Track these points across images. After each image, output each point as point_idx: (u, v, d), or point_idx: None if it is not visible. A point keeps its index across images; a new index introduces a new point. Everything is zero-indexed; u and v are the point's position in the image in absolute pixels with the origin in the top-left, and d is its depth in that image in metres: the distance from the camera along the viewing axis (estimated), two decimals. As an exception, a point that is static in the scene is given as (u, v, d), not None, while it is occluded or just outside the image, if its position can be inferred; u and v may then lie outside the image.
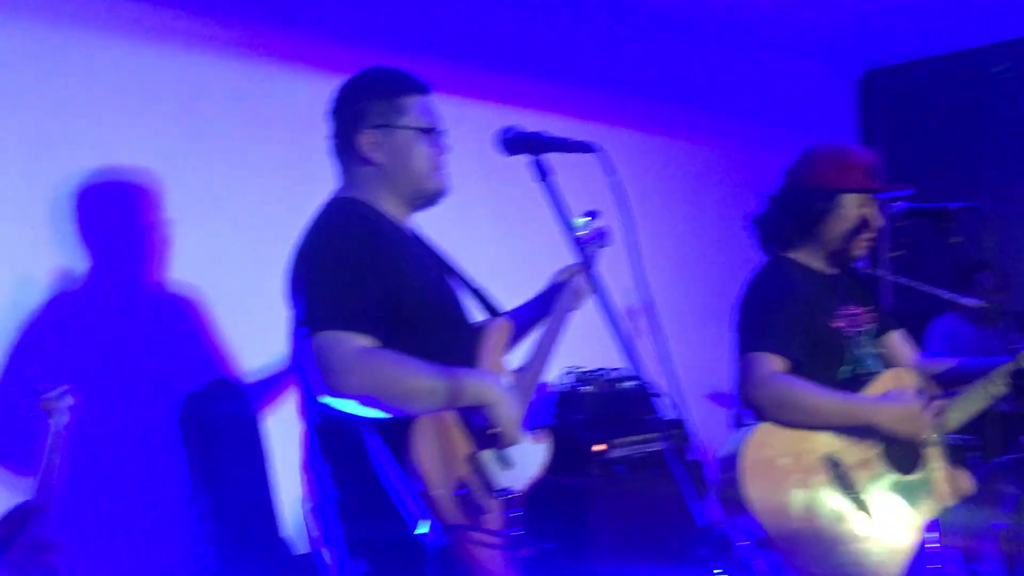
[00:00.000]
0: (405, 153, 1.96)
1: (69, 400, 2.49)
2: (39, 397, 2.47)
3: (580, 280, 2.32)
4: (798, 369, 2.35)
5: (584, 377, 3.72)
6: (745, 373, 2.35)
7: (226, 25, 3.25)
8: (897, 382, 2.46)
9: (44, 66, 2.84)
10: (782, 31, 5.06)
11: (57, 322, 2.80)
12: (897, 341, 2.63)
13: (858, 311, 2.51)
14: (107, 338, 2.91)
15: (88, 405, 2.58)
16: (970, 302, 4.06)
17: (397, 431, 1.77)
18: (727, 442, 2.38)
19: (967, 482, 2.50)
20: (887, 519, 2.33)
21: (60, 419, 2.46)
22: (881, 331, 2.59)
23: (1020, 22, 5.13)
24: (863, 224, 2.42)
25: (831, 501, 2.31)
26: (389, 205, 1.98)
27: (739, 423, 2.45)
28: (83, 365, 2.77)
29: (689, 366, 4.39)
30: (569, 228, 1.74)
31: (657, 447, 3.60)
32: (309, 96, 3.29)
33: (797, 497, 2.28)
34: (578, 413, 3.62)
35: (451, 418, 1.84)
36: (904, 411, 2.33)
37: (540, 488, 3.49)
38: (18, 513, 2.42)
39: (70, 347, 2.79)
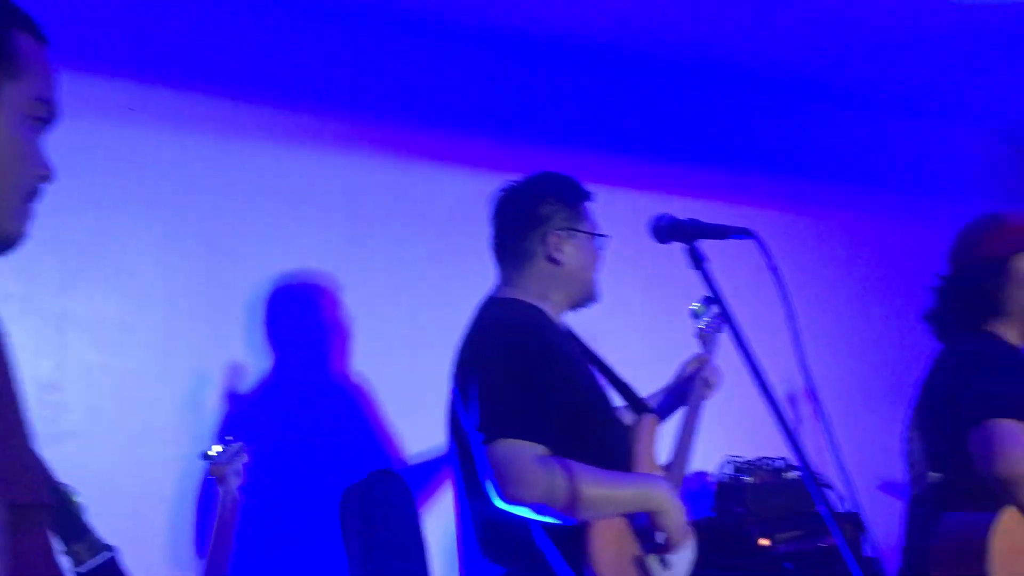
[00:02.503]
0: (585, 256, 2.08)
1: (243, 458, 2.34)
2: (209, 460, 2.31)
3: (708, 369, 2.35)
4: None
5: (745, 467, 3.58)
6: (988, 443, 2.11)
7: (376, 126, 3.41)
8: None
9: (220, 176, 3.06)
10: (944, 99, 4.89)
11: (236, 409, 2.94)
12: None
13: None
14: (280, 424, 3.03)
15: (255, 485, 2.58)
16: None
17: (571, 535, 1.80)
18: (958, 526, 2.16)
19: None
20: None
21: (232, 483, 2.29)
22: None
23: None
24: None
25: None
26: (554, 306, 2.05)
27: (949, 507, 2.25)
28: (254, 446, 2.86)
29: (857, 454, 4.19)
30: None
31: (828, 542, 3.41)
32: (459, 193, 3.43)
33: None
34: (740, 505, 3.48)
35: (622, 521, 1.88)
36: None
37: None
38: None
39: (243, 428, 2.87)
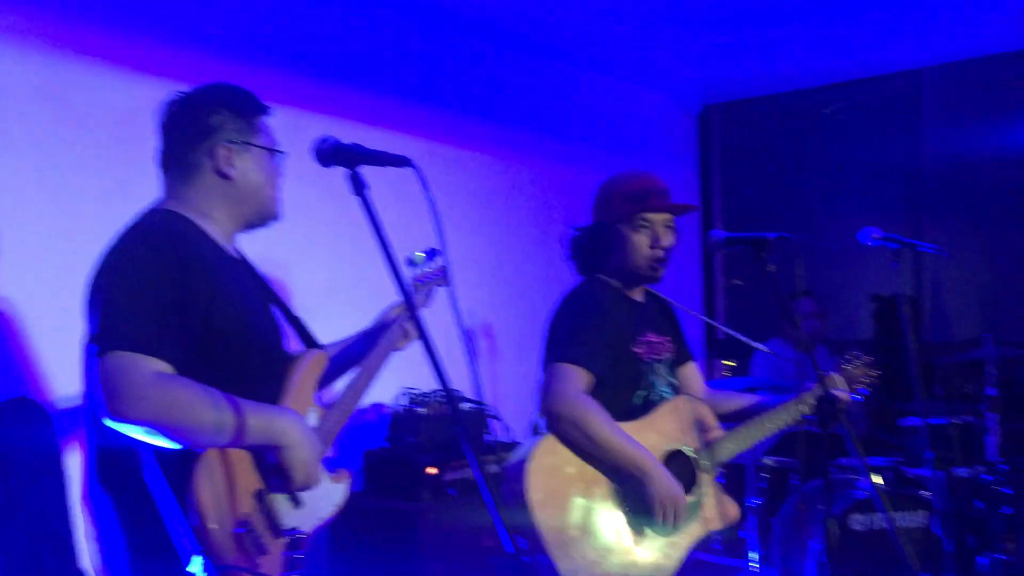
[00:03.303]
0: (259, 173, 1.95)
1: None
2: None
3: (407, 320, 2.25)
4: (600, 385, 2.45)
5: (420, 399, 3.66)
6: (550, 383, 2.43)
7: (35, 22, 3.05)
8: (675, 412, 2.59)
9: None
10: (628, 61, 5.20)
11: None
12: (690, 373, 2.76)
13: (659, 340, 2.63)
14: None
15: None
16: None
17: (180, 462, 1.67)
18: (518, 449, 2.44)
19: (734, 509, 2.63)
20: (656, 537, 2.43)
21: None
22: (677, 362, 2.71)
23: (849, 66, 5.45)
24: (647, 246, 2.55)
25: (608, 514, 2.40)
26: (219, 224, 1.93)
27: (535, 431, 2.48)
28: None
29: (523, 387, 4.44)
30: (388, 258, 1.64)
31: (493, 469, 3.59)
32: (128, 98, 3.15)
33: (577, 506, 2.35)
34: (412, 436, 3.56)
35: (241, 453, 1.75)
36: (671, 490, 2.39)
37: (371, 512, 3.42)
38: None
39: None
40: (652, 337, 2.60)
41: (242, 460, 1.75)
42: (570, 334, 2.48)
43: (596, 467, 2.41)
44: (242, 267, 2.00)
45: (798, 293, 4.84)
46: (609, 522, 2.40)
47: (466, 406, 3.69)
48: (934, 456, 2.95)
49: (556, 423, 2.40)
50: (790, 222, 5.15)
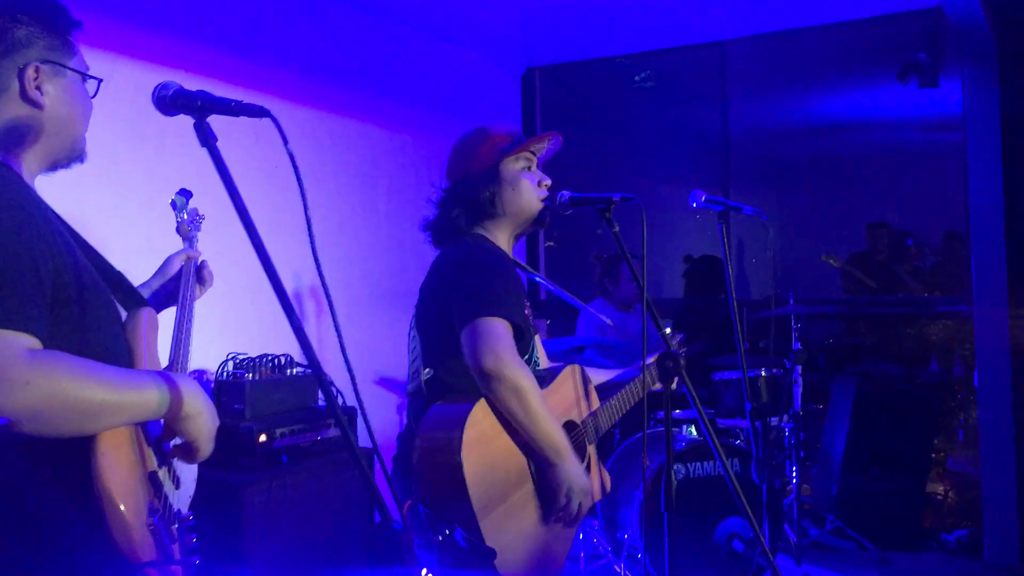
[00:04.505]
0: (72, 101, 1.64)
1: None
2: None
3: (198, 265, 2.21)
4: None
5: (246, 364, 3.51)
6: (479, 340, 2.23)
7: None
8: (570, 381, 2.57)
9: None
10: (453, 23, 5.15)
11: None
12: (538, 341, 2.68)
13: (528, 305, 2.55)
14: None
15: None
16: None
17: (70, 454, 1.39)
18: (438, 416, 2.27)
19: (608, 479, 2.68)
20: (556, 524, 2.38)
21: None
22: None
23: (659, 36, 5.63)
24: (534, 185, 2.50)
25: (524, 493, 2.32)
26: (27, 163, 1.61)
27: (420, 392, 2.40)
28: None
29: (357, 351, 4.36)
30: (240, 212, 1.50)
31: (323, 435, 3.50)
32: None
33: (505, 482, 2.25)
34: (239, 402, 3.41)
35: (127, 431, 1.50)
36: (584, 484, 2.36)
37: (199, 483, 3.24)
38: None
39: None
40: (527, 303, 2.53)
41: (132, 439, 1.51)
42: (483, 286, 2.31)
43: (514, 440, 2.30)
44: (56, 215, 1.68)
45: (619, 256, 5.01)
46: (526, 502, 2.31)
47: (295, 370, 3.57)
48: (751, 407, 3.14)
49: (494, 386, 2.23)
50: (606, 184, 5.30)
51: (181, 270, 2.21)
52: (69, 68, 1.64)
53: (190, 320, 2.07)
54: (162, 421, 1.58)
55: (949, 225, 5.96)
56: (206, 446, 1.62)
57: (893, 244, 6.26)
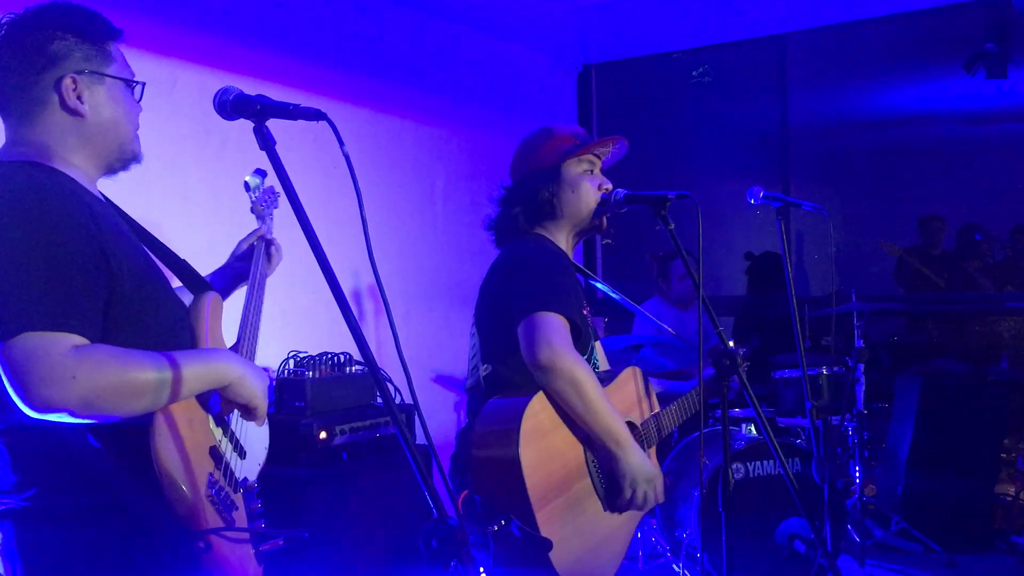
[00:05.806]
0: (115, 106, 1.72)
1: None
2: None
3: (267, 244, 2.26)
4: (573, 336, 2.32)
5: (306, 362, 3.57)
6: (535, 334, 2.24)
7: None
8: (631, 382, 2.56)
9: None
10: (510, 20, 5.16)
11: None
12: (599, 346, 2.67)
13: (587, 308, 2.55)
14: None
15: None
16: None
17: (128, 434, 1.53)
18: (495, 410, 2.28)
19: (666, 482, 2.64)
20: (616, 515, 2.37)
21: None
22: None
23: (717, 30, 5.58)
24: (595, 189, 2.48)
25: (583, 486, 2.31)
26: (82, 169, 1.70)
27: (477, 389, 2.41)
28: None
29: (415, 349, 4.39)
30: (297, 212, 1.55)
31: (382, 432, 3.54)
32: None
33: (563, 474, 2.25)
34: (300, 400, 3.46)
35: (187, 407, 1.64)
36: (649, 471, 2.34)
37: (260, 479, 3.30)
38: None
39: None
40: (586, 304, 2.53)
41: (191, 415, 1.64)
42: (540, 283, 2.32)
43: (574, 432, 2.31)
44: (119, 214, 1.81)
45: (672, 254, 4.97)
46: (585, 496, 2.30)
47: (354, 368, 3.62)
48: (811, 405, 3.08)
49: (550, 379, 2.23)
50: (663, 181, 5.27)
51: (251, 249, 2.26)
52: (108, 75, 1.71)
53: (260, 298, 2.14)
54: (218, 396, 1.70)
55: (1018, 219, 5.79)
56: (261, 403, 1.74)
57: (962, 240, 6.09)
